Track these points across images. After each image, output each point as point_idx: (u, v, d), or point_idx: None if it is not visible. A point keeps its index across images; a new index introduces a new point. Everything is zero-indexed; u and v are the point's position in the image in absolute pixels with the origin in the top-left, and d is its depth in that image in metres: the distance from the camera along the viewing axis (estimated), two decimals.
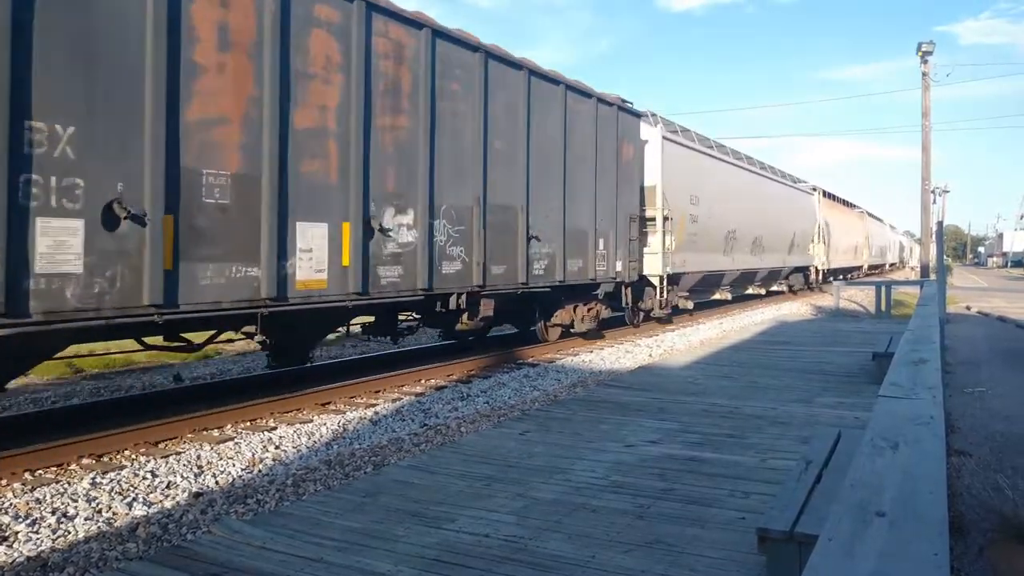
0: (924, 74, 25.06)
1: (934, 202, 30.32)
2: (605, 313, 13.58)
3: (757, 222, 21.33)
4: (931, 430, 2.20)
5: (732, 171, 20.30)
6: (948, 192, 53.84)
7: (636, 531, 4.00)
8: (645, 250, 14.23)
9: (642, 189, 14.28)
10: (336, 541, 3.88)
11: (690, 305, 17.15)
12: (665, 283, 14.89)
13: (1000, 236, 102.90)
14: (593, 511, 4.32)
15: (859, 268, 41.83)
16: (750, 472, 5.07)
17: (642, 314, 15.24)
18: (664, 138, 15.34)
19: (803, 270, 28.59)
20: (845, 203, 38.97)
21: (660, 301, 14.94)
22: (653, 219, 14.65)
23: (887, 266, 57.12)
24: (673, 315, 17.35)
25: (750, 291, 25.37)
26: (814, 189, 30.55)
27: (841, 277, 35.80)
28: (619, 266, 13.03)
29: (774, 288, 27.47)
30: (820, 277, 30.22)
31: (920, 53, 24.98)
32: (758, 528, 3.23)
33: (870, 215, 48.14)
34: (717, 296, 21.37)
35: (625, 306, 14.23)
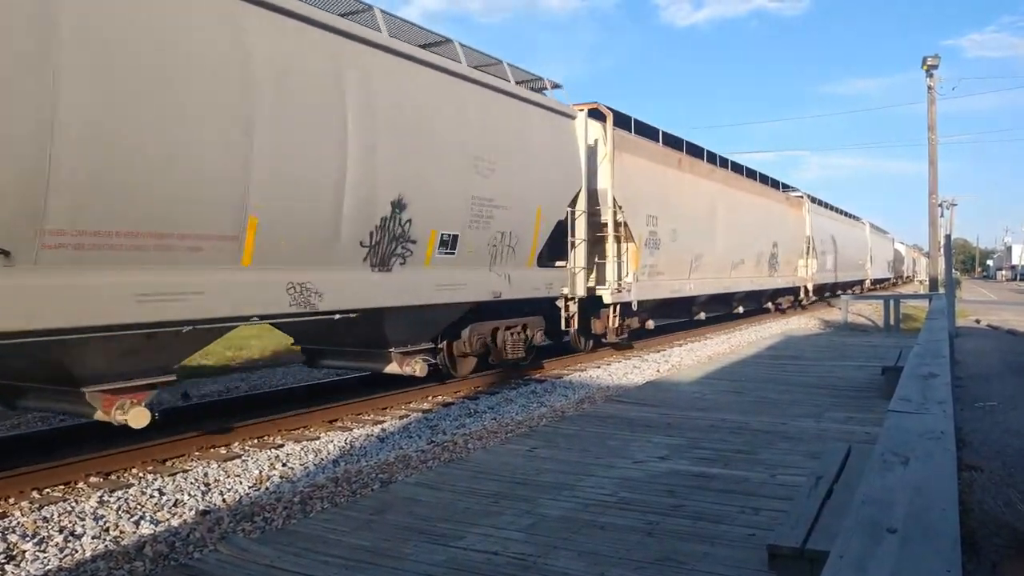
0: (929, 88, 25.06)
1: (942, 215, 30.13)
2: None
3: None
4: (942, 445, 2.18)
5: None
6: (956, 205, 53.49)
7: (646, 548, 3.97)
8: None
9: None
10: (343, 559, 3.87)
11: None
12: None
13: (1009, 249, 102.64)
14: (602, 528, 4.30)
15: (791, 291, 25.17)
16: (760, 488, 5.03)
17: None
18: None
19: (543, 305, 11.28)
20: (744, 172, 20.96)
21: None
22: None
23: (868, 283, 40.88)
24: None
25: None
26: (589, 111, 12.31)
27: (747, 307, 21.53)
28: None
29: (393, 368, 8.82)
30: (615, 321, 12.89)
31: (925, 67, 25.01)
32: (769, 545, 3.20)
33: (821, 204, 30.09)
34: None
35: None
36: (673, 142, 16.33)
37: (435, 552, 3.95)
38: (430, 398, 9.48)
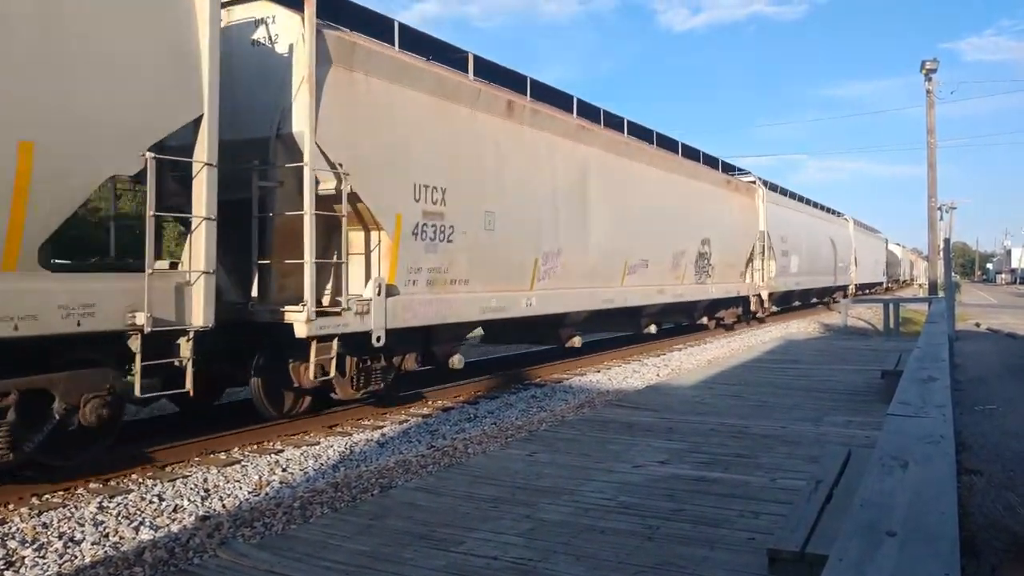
0: (928, 91, 25.10)
1: (941, 219, 30.15)
2: None
3: None
4: (941, 449, 2.19)
5: None
6: (955, 209, 53.53)
7: (645, 553, 3.97)
8: None
9: None
10: (343, 564, 3.86)
11: None
12: None
13: (1008, 253, 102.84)
14: (602, 532, 4.29)
15: (737, 301, 19.62)
16: (760, 492, 5.03)
17: None
18: None
19: (119, 347, 5.70)
20: (654, 139, 14.77)
21: None
22: None
23: (852, 288, 34.59)
24: None
25: None
26: None
27: (670, 324, 17.43)
28: None
29: None
30: (336, 366, 7.46)
31: (924, 71, 25.05)
32: (769, 549, 3.21)
33: (783, 193, 24.29)
34: None
35: None
36: (505, 79, 10.37)
37: (435, 557, 3.94)
38: (430, 403, 9.48)
